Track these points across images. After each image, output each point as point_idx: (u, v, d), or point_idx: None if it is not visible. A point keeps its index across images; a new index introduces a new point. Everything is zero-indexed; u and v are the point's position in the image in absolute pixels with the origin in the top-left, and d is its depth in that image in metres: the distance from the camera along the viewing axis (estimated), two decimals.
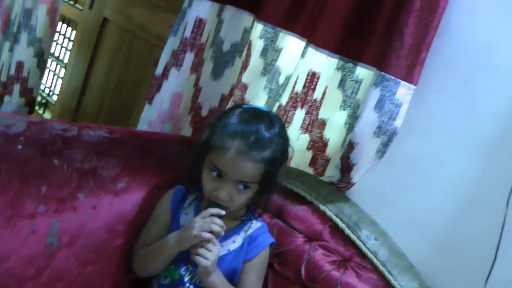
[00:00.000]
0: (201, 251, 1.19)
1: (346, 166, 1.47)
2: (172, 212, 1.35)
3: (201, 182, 1.28)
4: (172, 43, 1.72)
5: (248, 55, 1.71)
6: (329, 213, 1.46)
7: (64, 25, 3.22)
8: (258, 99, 1.68)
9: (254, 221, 1.35)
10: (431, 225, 1.42)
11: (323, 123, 1.63)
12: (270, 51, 1.64)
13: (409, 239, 1.44)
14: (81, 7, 2.92)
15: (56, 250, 1.16)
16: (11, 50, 2.12)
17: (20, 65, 2.16)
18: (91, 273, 1.26)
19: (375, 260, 1.39)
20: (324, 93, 1.61)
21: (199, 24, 1.65)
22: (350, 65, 1.55)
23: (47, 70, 3.20)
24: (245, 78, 1.70)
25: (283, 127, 1.28)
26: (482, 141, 1.34)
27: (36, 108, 3.14)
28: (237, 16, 1.66)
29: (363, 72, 1.54)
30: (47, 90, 3.29)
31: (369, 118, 1.38)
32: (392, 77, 1.35)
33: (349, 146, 1.43)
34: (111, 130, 1.43)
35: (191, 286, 1.29)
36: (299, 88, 1.64)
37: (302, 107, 1.65)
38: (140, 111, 1.86)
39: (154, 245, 1.28)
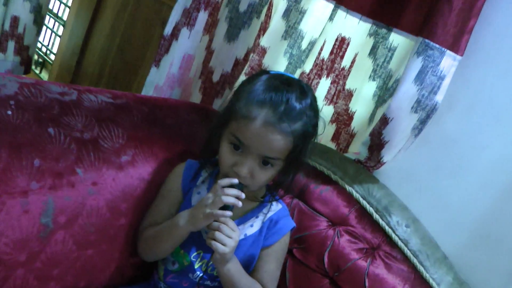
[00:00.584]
0: (219, 235, 1.04)
1: (377, 144, 1.32)
2: (183, 189, 1.20)
3: (217, 155, 1.14)
4: (184, 0, 1.56)
5: (268, 16, 1.55)
6: (356, 195, 1.32)
7: None
8: (278, 64, 1.53)
9: (274, 203, 1.21)
10: (467, 214, 1.28)
11: (350, 94, 1.48)
12: (294, 13, 1.47)
13: (442, 227, 1.31)
14: None
15: (51, 231, 1.02)
16: (5, 4, 1.95)
17: (15, 20, 1.99)
18: (91, 256, 1.12)
19: (406, 250, 1.25)
20: (353, 61, 1.45)
21: None
22: (384, 30, 1.39)
23: (44, 28, 3.03)
24: (264, 42, 1.55)
25: (315, 99, 1.13)
26: None
27: (33, 67, 2.98)
28: None
29: (397, 39, 1.38)
30: (44, 49, 3.11)
31: (408, 91, 1.23)
32: (437, 46, 1.19)
33: (382, 122, 1.28)
34: (115, 95, 1.28)
35: (202, 275, 1.15)
36: (325, 54, 1.48)
37: (328, 75, 1.49)
38: (145, 74, 1.73)
39: (162, 225, 1.14)
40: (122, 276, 1.22)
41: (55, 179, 1.01)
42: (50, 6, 2.93)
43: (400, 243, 1.26)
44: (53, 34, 3.07)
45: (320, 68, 1.50)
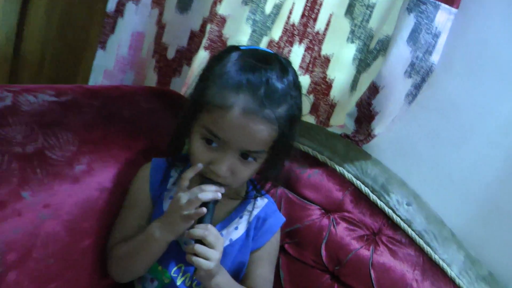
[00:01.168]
0: (200, 248, 0.88)
1: (366, 115, 1.17)
2: (152, 195, 1.03)
3: (186, 149, 0.97)
4: None
5: None
6: (348, 175, 1.17)
7: None
8: (241, 34, 1.34)
9: (259, 198, 1.05)
10: (473, 185, 1.15)
11: (326, 60, 1.32)
12: None
13: (446, 202, 1.18)
14: None
15: (1, 275, 0.83)
16: None
17: None
18: None
19: (410, 231, 1.12)
20: (328, 23, 1.29)
21: None
22: None
23: None
24: (222, 10, 1.36)
25: (296, 74, 0.97)
26: None
27: None
28: None
29: None
30: None
31: (400, 54, 1.08)
32: None
33: (372, 90, 1.13)
34: (59, 91, 1.08)
35: None
36: (296, 18, 1.30)
37: (300, 42, 1.32)
38: (91, 57, 1.54)
39: (134, 240, 0.97)
40: None
41: None
42: None
43: (403, 225, 1.13)
44: None
45: (291, 34, 1.33)
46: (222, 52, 0.99)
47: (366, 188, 1.16)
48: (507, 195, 1.11)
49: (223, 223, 1.01)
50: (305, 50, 1.32)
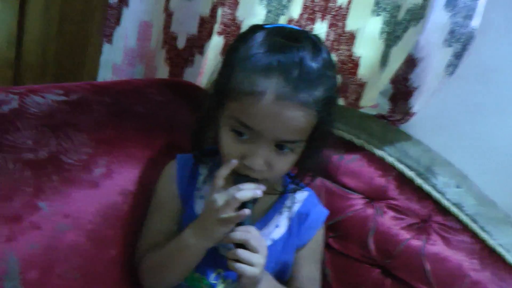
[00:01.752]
0: (243, 254, 0.79)
1: (403, 92, 1.07)
2: (181, 196, 0.93)
3: (214, 142, 0.88)
4: None
5: None
6: (389, 159, 1.07)
7: None
8: (254, 16, 1.25)
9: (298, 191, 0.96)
10: None
11: (351, 37, 1.22)
12: None
13: (493, 179, 1.08)
14: None
15: None
16: None
17: None
18: None
19: (461, 216, 1.02)
20: None
21: None
22: None
23: None
24: None
25: (328, 51, 0.86)
26: None
27: None
28: None
29: None
30: None
31: (438, 20, 0.97)
32: None
33: (409, 64, 1.02)
34: (67, 90, 0.99)
35: None
36: None
37: (323, 18, 1.22)
38: (94, 52, 1.44)
39: (167, 247, 0.87)
40: None
41: (11, 226, 0.73)
42: None
43: (453, 209, 1.03)
44: None
45: (311, 11, 1.23)
46: (244, 33, 0.89)
47: (410, 172, 1.06)
48: None
49: (262, 221, 0.92)
50: (329, 27, 1.22)
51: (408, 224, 1.03)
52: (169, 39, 1.36)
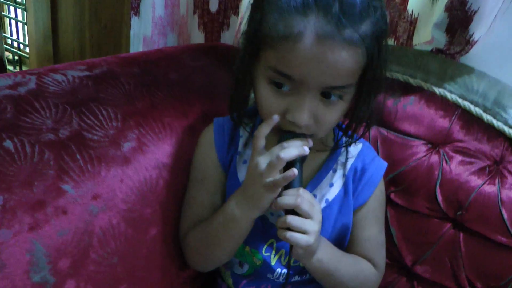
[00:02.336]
0: (294, 221, 0.70)
1: (461, 18, 0.94)
2: (222, 163, 0.85)
3: (252, 102, 0.79)
4: None
5: None
6: (451, 96, 0.95)
7: None
8: None
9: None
10: None
11: None
12: None
13: None
14: None
15: (56, 287, 0.68)
16: None
17: None
18: None
19: None
20: None
21: None
22: None
23: (6, 20, 2.71)
24: None
25: None
26: None
27: (11, 68, 2.64)
28: None
29: None
30: (16, 44, 2.75)
31: None
32: None
33: None
34: (91, 64, 0.93)
35: (286, 272, 0.81)
36: None
37: None
38: (128, 30, 1.37)
39: (212, 222, 0.80)
40: None
41: (34, 213, 0.66)
42: None
43: None
44: (20, 24, 2.70)
45: None
46: None
47: (477, 108, 0.93)
48: None
49: (313, 182, 0.82)
50: None
51: (479, 168, 0.91)
52: (200, 3, 1.30)
